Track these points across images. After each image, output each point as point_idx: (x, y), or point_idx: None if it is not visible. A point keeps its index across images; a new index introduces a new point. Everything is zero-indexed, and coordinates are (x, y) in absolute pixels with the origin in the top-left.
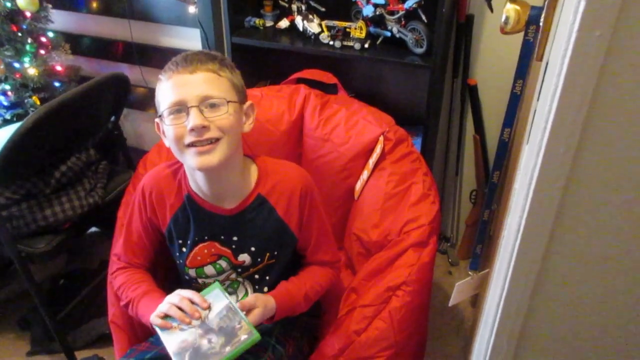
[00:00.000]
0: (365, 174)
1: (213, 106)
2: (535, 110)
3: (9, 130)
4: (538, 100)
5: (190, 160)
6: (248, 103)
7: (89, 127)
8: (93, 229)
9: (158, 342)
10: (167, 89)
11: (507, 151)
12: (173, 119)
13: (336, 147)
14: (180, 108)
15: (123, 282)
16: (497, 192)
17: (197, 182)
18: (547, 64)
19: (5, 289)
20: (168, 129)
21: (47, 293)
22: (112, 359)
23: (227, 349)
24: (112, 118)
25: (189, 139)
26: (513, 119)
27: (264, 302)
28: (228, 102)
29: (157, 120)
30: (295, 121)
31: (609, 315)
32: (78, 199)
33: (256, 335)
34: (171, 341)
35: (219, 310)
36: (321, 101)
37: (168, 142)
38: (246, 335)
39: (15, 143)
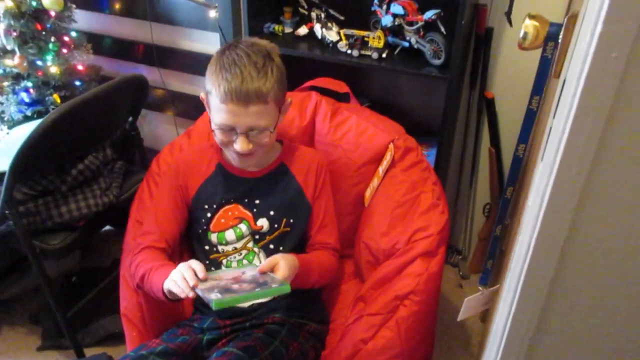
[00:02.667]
0: (375, 182)
1: (258, 132)
2: (550, 128)
3: (29, 128)
4: (554, 117)
5: (230, 158)
6: (288, 102)
7: (107, 127)
8: (107, 228)
9: (168, 339)
10: (221, 109)
11: (521, 167)
12: (222, 134)
13: (346, 153)
14: (230, 129)
15: (143, 258)
16: (511, 207)
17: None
18: (564, 81)
19: (19, 283)
20: (217, 138)
21: (60, 290)
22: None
23: (257, 290)
24: (130, 119)
25: (233, 149)
26: (528, 135)
27: (283, 256)
28: (271, 132)
29: (202, 95)
30: (306, 127)
31: (620, 338)
32: (93, 197)
33: (287, 286)
34: (202, 286)
35: (253, 274)
36: (332, 108)
37: (214, 135)
38: (277, 285)
39: (34, 140)
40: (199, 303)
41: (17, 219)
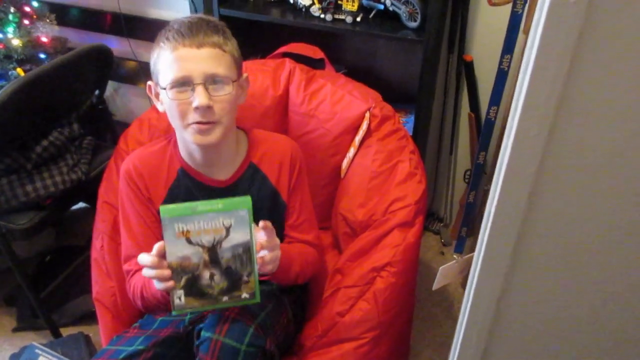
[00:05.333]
0: (351, 152)
1: (218, 84)
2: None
3: None
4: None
5: (190, 137)
6: (244, 76)
7: (71, 101)
8: (82, 205)
9: (145, 326)
10: (171, 61)
11: (493, 131)
12: (177, 93)
13: (322, 123)
14: (185, 83)
15: (136, 280)
16: (490, 173)
17: (191, 153)
18: None
19: None
20: (171, 104)
21: (34, 269)
22: (97, 337)
23: (225, 298)
24: (97, 92)
25: (192, 118)
26: (500, 96)
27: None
28: (233, 81)
29: (150, 83)
30: (281, 97)
31: (580, 307)
32: (60, 174)
33: (257, 299)
34: (173, 251)
35: (235, 244)
36: (306, 76)
37: (168, 114)
38: (247, 295)
39: None
40: None
41: None
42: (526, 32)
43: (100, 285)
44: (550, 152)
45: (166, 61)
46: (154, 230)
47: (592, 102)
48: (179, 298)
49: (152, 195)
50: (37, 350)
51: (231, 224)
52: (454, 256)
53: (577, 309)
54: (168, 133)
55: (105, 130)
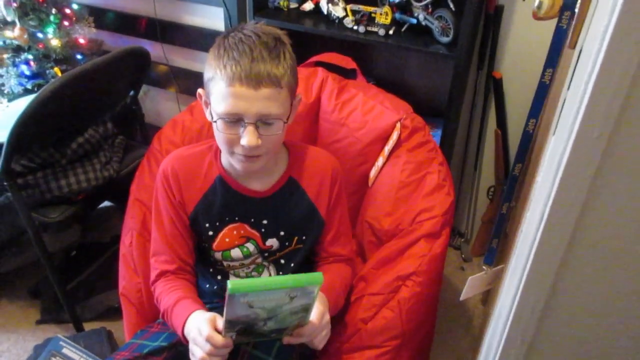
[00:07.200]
0: (380, 161)
1: (269, 124)
2: (565, 100)
3: (28, 100)
4: (569, 89)
5: (236, 164)
6: (297, 98)
7: (107, 100)
8: (108, 203)
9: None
10: (226, 94)
11: (530, 143)
12: (227, 126)
13: (352, 132)
14: (236, 119)
15: (160, 291)
16: (516, 189)
17: (232, 164)
18: (580, 51)
19: (18, 257)
20: (219, 134)
21: (60, 264)
22: (119, 333)
23: (273, 334)
24: (131, 92)
25: (239, 149)
26: (539, 109)
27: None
28: (284, 122)
29: (200, 91)
30: (312, 104)
31: (632, 318)
32: (93, 171)
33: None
34: (233, 312)
35: (296, 306)
36: (339, 85)
37: (215, 136)
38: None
39: (32, 112)
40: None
41: (15, 191)
42: (572, 46)
43: (127, 280)
44: (610, 155)
45: (220, 91)
46: (183, 233)
47: None
48: (231, 337)
49: (185, 198)
50: (61, 342)
51: (297, 295)
52: (483, 267)
53: (626, 317)
54: (201, 134)
55: (136, 130)
